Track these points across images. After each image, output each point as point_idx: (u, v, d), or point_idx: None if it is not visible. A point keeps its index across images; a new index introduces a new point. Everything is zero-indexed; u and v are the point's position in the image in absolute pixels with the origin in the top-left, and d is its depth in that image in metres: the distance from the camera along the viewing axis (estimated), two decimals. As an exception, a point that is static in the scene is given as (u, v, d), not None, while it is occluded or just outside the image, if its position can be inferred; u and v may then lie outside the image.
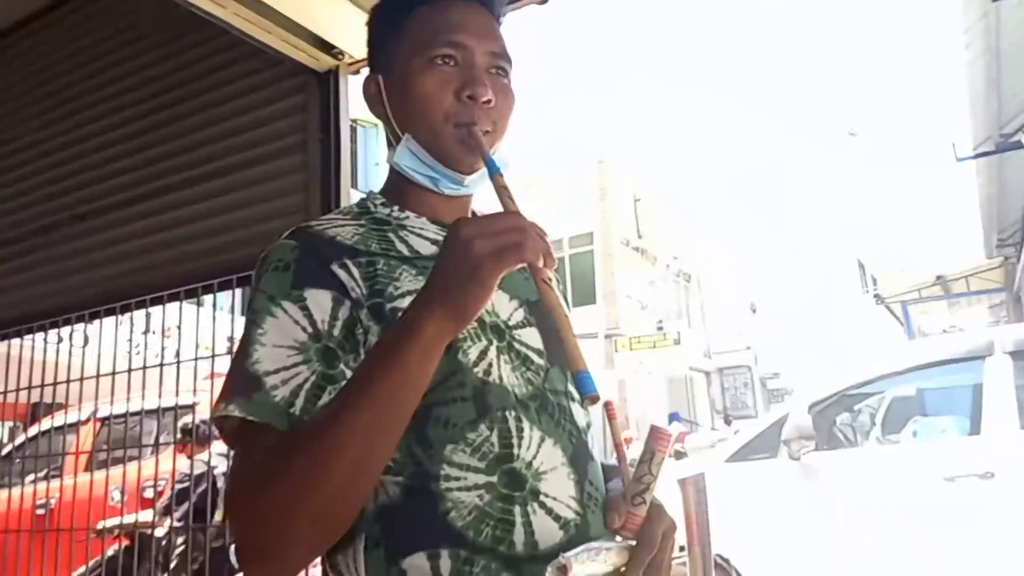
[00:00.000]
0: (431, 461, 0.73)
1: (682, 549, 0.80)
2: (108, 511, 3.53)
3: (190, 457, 3.59)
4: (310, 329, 0.73)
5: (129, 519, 3.63)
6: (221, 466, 3.64)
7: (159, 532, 3.49)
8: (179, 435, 3.70)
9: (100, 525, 3.39)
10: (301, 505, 0.65)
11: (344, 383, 0.71)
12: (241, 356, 0.73)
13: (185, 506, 3.48)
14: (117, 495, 3.76)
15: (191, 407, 3.84)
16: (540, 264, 0.64)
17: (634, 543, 0.73)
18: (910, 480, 3.87)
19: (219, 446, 3.71)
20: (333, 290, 0.76)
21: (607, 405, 0.82)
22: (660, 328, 18.39)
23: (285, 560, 0.68)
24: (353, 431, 0.65)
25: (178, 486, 3.55)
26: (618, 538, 0.74)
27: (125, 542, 3.54)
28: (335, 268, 0.77)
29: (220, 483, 3.63)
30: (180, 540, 3.56)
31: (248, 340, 0.74)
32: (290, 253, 0.78)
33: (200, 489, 3.59)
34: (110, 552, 3.55)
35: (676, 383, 19.44)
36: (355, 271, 0.77)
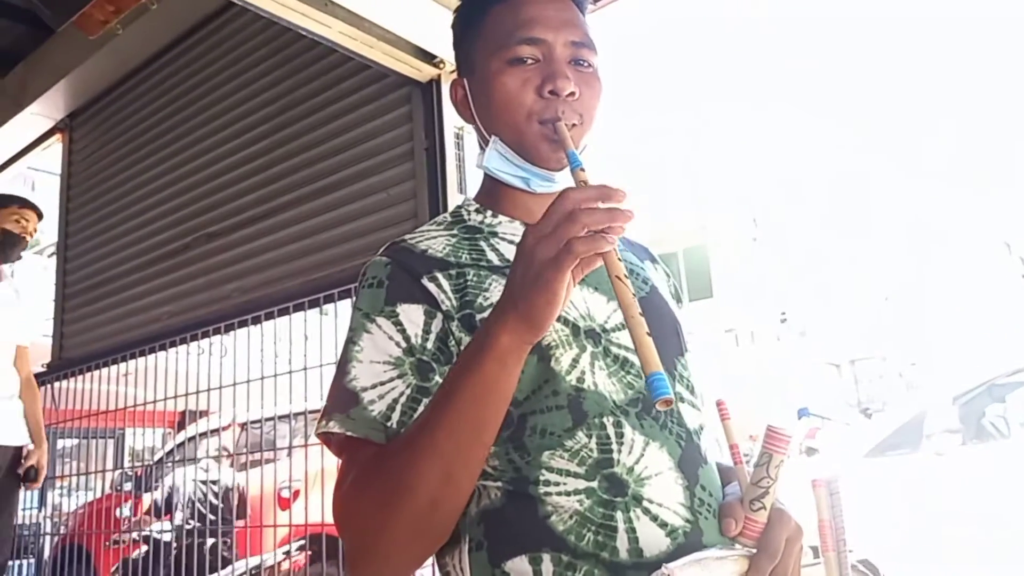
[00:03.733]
0: (529, 467, 0.72)
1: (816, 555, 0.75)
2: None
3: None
4: (404, 344, 0.74)
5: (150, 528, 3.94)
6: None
7: (166, 537, 3.70)
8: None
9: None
10: (395, 513, 0.66)
11: None
12: (340, 373, 0.75)
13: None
14: (126, 511, 4.08)
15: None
16: (603, 248, 0.59)
17: (754, 551, 0.69)
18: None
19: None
20: (425, 304, 0.76)
21: (719, 405, 0.78)
22: (784, 320, 17.65)
23: (387, 565, 0.69)
24: (438, 442, 0.65)
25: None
26: (737, 546, 0.70)
27: (144, 547, 3.81)
28: (425, 282, 0.77)
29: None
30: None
31: (346, 357, 0.76)
32: (383, 270, 0.79)
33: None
34: (133, 555, 3.84)
35: (804, 376, 18.60)
36: (445, 283, 0.77)
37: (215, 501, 3.92)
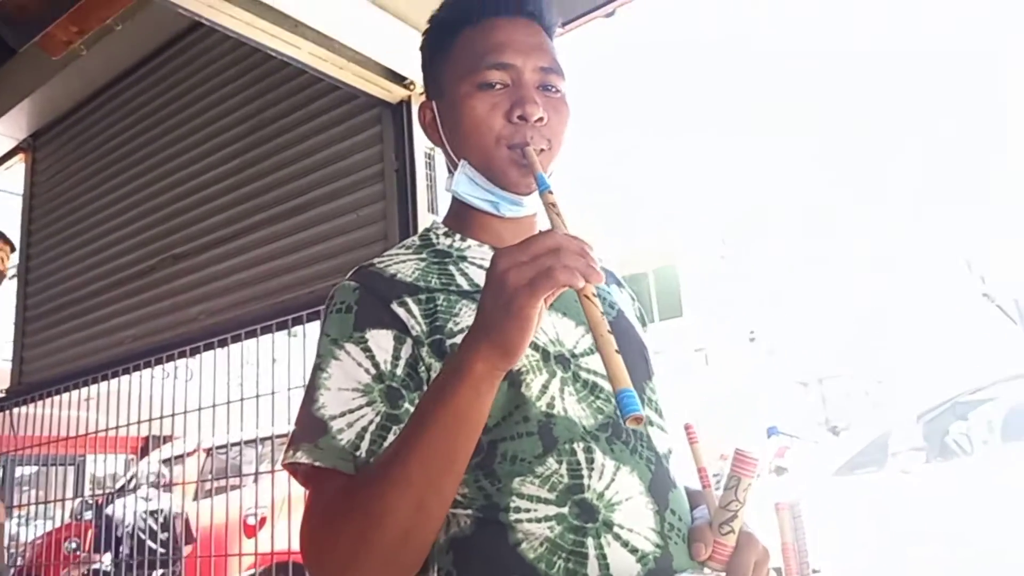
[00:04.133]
0: (499, 494, 0.71)
1: None
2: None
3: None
4: (373, 370, 0.73)
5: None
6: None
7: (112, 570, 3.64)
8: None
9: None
10: (366, 545, 0.65)
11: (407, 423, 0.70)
12: (308, 401, 0.74)
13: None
14: (74, 544, 3.99)
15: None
16: (579, 284, 0.59)
17: (723, 575, 0.69)
18: (1037, 491, 3.58)
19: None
20: (394, 329, 0.75)
21: (688, 428, 0.79)
22: (752, 339, 17.85)
23: None
24: (410, 472, 0.64)
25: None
26: (706, 570, 0.70)
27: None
28: (395, 307, 0.76)
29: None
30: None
31: (314, 384, 0.75)
32: (351, 295, 0.78)
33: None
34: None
35: (773, 395, 18.78)
36: (415, 308, 0.76)
37: (157, 530, 3.86)
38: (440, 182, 2.46)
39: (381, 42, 2.05)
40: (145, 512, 3.80)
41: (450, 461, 0.65)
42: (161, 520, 3.84)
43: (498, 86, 0.82)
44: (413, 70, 2.15)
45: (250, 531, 3.93)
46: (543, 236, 0.62)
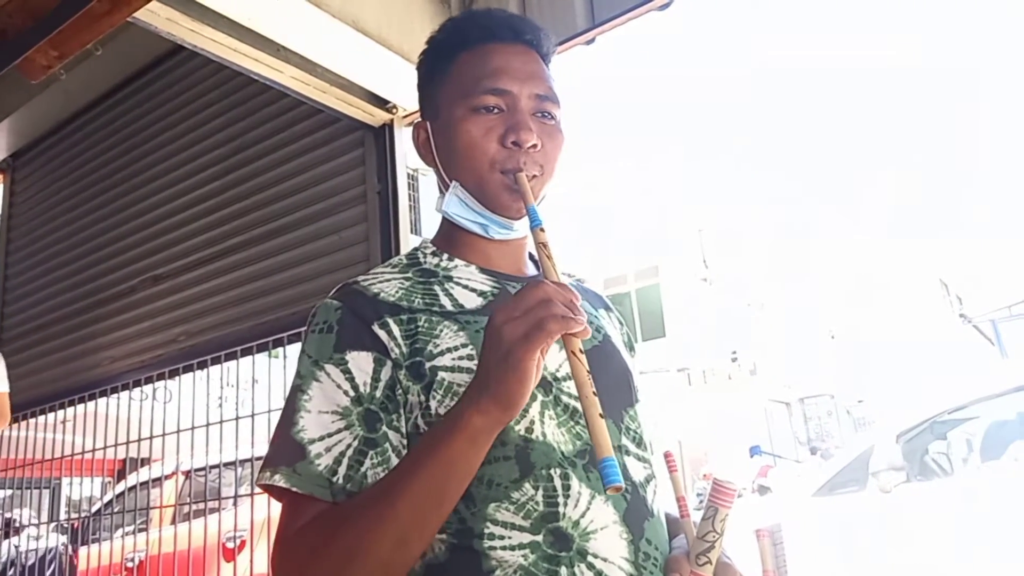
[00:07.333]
0: (474, 519, 0.71)
1: None
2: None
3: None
4: (352, 393, 0.74)
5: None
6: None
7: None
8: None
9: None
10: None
11: (385, 446, 0.71)
12: (287, 423, 0.74)
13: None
14: None
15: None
16: (573, 329, 0.61)
17: None
18: (1015, 510, 3.61)
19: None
20: (375, 351, 0.75)
21: (667, 457, 0.79)
22: (734, 359, 17.92)
23: None
24: (398, 510, 0.65)
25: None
26: None
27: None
28: (376, 328, 0.76)
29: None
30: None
31: (294, 407, 0.74)
32: (333, 315, 0.78)
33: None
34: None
35: (754, 415, 18.84)
36: (395, 329, 0.77)
37: (55, 568, 3.83)
38: (423, 204, 2.47)
39: (364, 66, 2.06)
40: (30, 551, 3.78)
41: (438, 504, 0.66)
42: (49, 558, 3.83)
43: (494, 110, 0.82)
44: (396, 94, 2.16)
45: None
46: (533, 288, 0.63)
